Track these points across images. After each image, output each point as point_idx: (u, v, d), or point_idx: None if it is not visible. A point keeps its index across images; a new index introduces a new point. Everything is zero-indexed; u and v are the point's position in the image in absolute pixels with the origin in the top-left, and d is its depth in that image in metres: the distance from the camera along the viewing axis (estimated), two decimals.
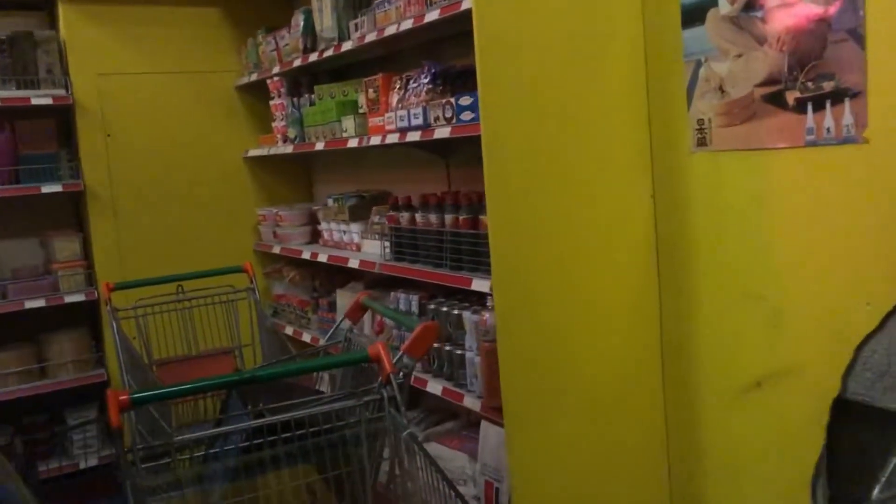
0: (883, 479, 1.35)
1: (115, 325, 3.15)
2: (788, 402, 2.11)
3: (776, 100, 2.03)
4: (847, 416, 1.99)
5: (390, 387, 1.80)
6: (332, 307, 3.69)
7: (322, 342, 2.74)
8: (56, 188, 3.77)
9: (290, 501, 1.96)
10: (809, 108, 1.95)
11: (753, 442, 2.23)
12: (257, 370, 1.96)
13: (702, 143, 2.25)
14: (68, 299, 3.81)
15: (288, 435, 1.79)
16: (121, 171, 3.98)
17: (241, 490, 1.93)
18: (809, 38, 1.93)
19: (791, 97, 1.99)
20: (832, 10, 1.88)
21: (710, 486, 2.39)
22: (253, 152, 4.18)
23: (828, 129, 1.92)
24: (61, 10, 3.85)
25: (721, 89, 2.17)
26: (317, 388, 2.73)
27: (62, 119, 3.99)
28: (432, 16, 2.58)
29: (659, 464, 2.51)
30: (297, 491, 1.98)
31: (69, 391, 3.88)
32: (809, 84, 1.94)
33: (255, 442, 1.81)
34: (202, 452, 1.84)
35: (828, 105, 1.91)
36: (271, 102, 3.91)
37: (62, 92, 3.78)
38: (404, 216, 3.01)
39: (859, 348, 1.91)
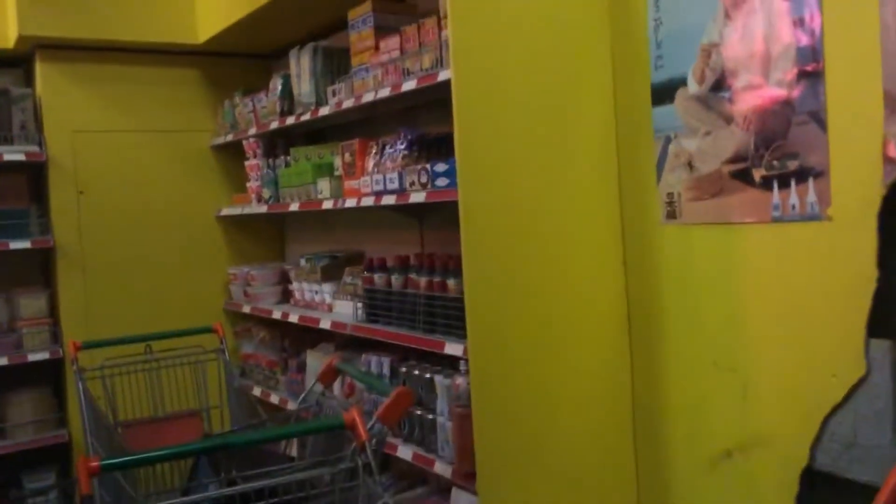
0: None
1: (80, 384, 3.08)
2: (758, 472, 2.14)
3: (743, 176, 2.11)
4: (816, 486, 2.02)
5: (365, 454, 1.79)
6: (302, 368, 3.65)
7: (292, 405, 2.71)
8: (25, 244, 3.73)
9: None
10: (775, 185, 2.03)
11: None
12: (229, 436, 1.95)
13: (671, 215, 2.32)
14: (32, 357, 3.74)
15: (260, 503, 1.77)
16: (92, 229, 3.95)
17: None
18: (774, 119, 2.02)
19: (757, 174, 2.07)
20: (795, 93, 1.97)
21: None
22: (226, 211, 4.19)
23: (793, 206, 1.99)
24: (38, 68, 3.88)
25: (690, 165, 2.25)
26: (286, 452, 2.70)
27: (34, 175, 3.97)
28: (409, 85, 2.64)
29: None
30: None
31: (27, 453, 3.76)
32: (775, 163, 2.02)
33: None
34: None
35: (792, 183, 1.99)
36: (246, 163, 3.94)
37: (35, 148, 3.78)
38: (378, 277, 3.02)
39: (826, 420, 1.95)
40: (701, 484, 2.30)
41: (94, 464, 1.58)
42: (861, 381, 1.87)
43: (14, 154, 3.70)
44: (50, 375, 3.96)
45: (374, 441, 1.87)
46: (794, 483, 2.03)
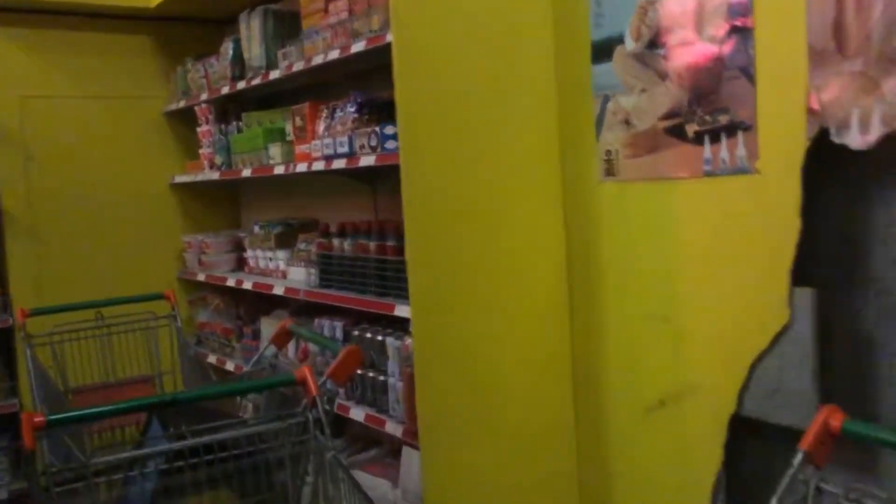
0: (779, 492, 1.41)
1: (28, 352, 3.07)
2: (690, 420, 2.20)
3: (677, 132, 2.15)
4: (744, 432, 2.08)
5: (316, 409, 1.80)
6: (257, 335, 3.66)
7: (246, 369, 2.72)
8: None
9: None
10: (707, 140, 2.07)
11: (658, 458, 2.31)
12: (179, 392, 1.93)
13: (609, 172, 2.36)
14: None
15: (210, 458, 1.78)
16: (41, 195, 3.89)
17: None
18: (706, 75, 2.06)
19: (690, 129, 2.11)
20: (726, 48, 2.01)
21: (617, 502, 2.45)
22: (179, 178, 4.16)
23: (723, 161, 2.04)
24: None
25: (627, 122, 2.28)
26: (240, 416, 2.71)
27: None
28: (358, 47, 2.64)
29: (570, 484, 2.56)
30: None
31: None
32: (707, 118, 2.07)
33: (176, 465, 1.78)
34: (120, 476, 1.81)
35: (723, 137, 2.03)
36: (199, 129, 3.90)
37: None
38: (332, 243, 3.03)
39: (753, 367, 2.01)
40: (636, 432, 2.36)
41: (39, 419, 1.57)
42: (785, 329, 1.93)
43: None
44: (0, 346, 3.92)
45: (324, 399, 1.89)
46: (724, 430, 2.09)
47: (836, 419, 1.40)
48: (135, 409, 1.91)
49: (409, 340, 2.58)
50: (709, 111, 2.06)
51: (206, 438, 1.78)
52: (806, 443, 1.40)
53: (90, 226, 4.04)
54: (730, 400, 2.06)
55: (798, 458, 1.40)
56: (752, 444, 2.10)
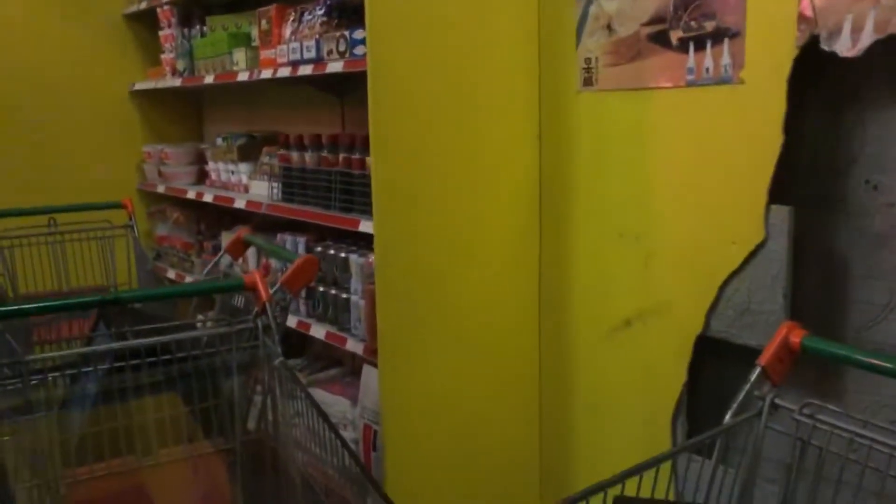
0: (734, 406, 1.38)
1: None
2: (655, 340, 2.16)
3: (661, 39, 2.05)
4: (709, 353, 2.04)
5: (266, 316, 1.73)
6: (217, 250, 3.55)
7: (198, 277, 2.63)
8: None
9: (153, 431, 1.87)
10: (691, 47, 1.97)
11: (620, 379, 2.28)
12: (123, 291, 1.86)
13: (588, 82, 2.25)
14: None
15: (153, 360, 1.71)
16: None
17: (101, 419, 1.83)
18: None
19: (675, 36, 2.01)
20: None
21: (579, 421, 2.43)
22: (140, 85, 3.97)
23: (707, 70, 1.94)
24: None
25: (609, 27, 2.17)
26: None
27: None
28: None
29: (531, 403, 2.53)
30: (160, 423, 1.89)
31: None
32: (692, 23, 1.96)
33: (117, 365, 1.71)
34: (55, 374, 1.73)
35: (708, 45, 1.93)
36: (161, 33, 3.72)
37: None
38: (295, 155, 2.91)
39: (722, 287, 1.96)
40: (599, 353, 2.32)
41: None
42: (759, 248, 1.87)
43: None
44: None
45: (276, 307, 1.81)
46: (689, 351, 2.04)
47: (796, 335, 1.37)
48: (77, 307, 1.82)
49: (372, 257, 2.50)
50: (695, 17, 1.95)
51: (149, 340, 1.70)
52: (764, 358, 1.39)
53: (43, 129, 3.86)
54: (697, 321, 2.01)
55: (755, 372, 1.38)
56: (715, 365, 2.06)
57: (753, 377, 1.37)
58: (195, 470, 1.91)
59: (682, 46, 1.99)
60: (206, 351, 1.82)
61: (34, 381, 1.69)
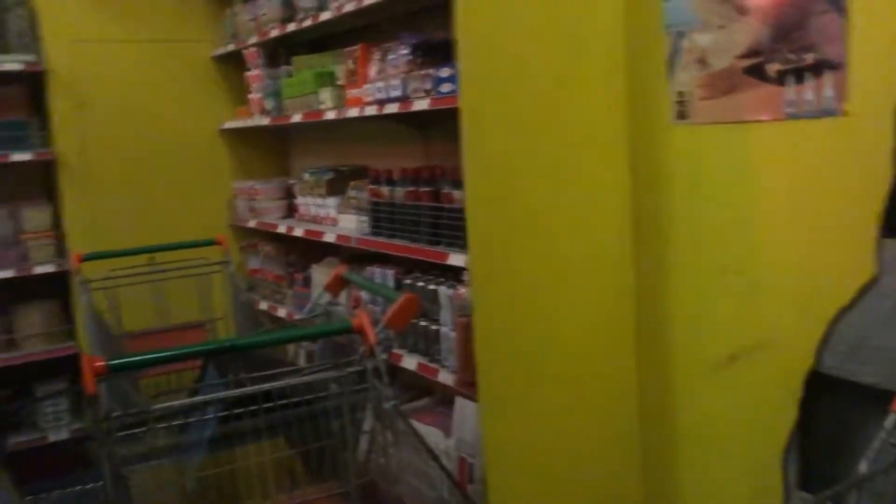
0: (871, 455, 1.33)
1: (84, 296, 3.11)
2: (762, 376, 2.11)
3: (757, 72, 2.01)
4: (821, 390, 1.99)
5: (374, 358, 1.77)
6: (308, 282, 3.64)
7: (299, 316, 2.71)
8: (26, 156, 3.68)
9: (267, 474, 1.93)
10: (790, 80, 1.93)
11: (726, 415, 2.24)
12: (236, 339, 1.92)
13: (682, 115, 2.24)
14: (38, 270, 3.74)
15: (269, 405, 1.76)
16: (94, 141, 3.89)
17: (218, 462, 1.90)
18: (791, 9, 1.92)
19: (772, 69, 1.98)
20: None
21: (682, 459, 2.40)
22: (229, 124, 4.12)
23: (808, 102, 1.90)
24: None
25: (702, 61, 2.15)
26: (294, 364, 2.70)
27: (33, 86, 3.90)
28: None
29: (632, 439, 2.51)
30: (275, 464, 1.95)
31: (38, 364, 3.81)
32: (791, 56, 1.93)
33: (234, 412, 1.77)
34: (179, 422, 1.81)
35: (809, 77, 1.89)
36: (248, 74, 3.84)
37: (33, 58, 3.69)
38: (385, 190, 2.97)
39: (834, 322, 1.90)
40: (703, 388, 2.28)
41: (100, 363, 1.55)
42: (871, 283, 1.82)
43: (12, 64, 3.62)
44: (57, 289, 3.97)
45: (380, 347, 1.85)
46: (798, 387, 2.00)
47: None
48: (194, 356, 1.90)
49: (462, 289, 2.53)
50: (793, 49, 1.92)
51: (265, 386, 1.76)
52: None
53: (141, 171, 4.04)
54: (806, 356, 1.97)
55: (891, 420, 1.33)
56: (829, 403, 2.00)
57: (889, 425, 1.33)
58: None
59: (781, 79, 1.96)
60: (319, 395, 1.86)
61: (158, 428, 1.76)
